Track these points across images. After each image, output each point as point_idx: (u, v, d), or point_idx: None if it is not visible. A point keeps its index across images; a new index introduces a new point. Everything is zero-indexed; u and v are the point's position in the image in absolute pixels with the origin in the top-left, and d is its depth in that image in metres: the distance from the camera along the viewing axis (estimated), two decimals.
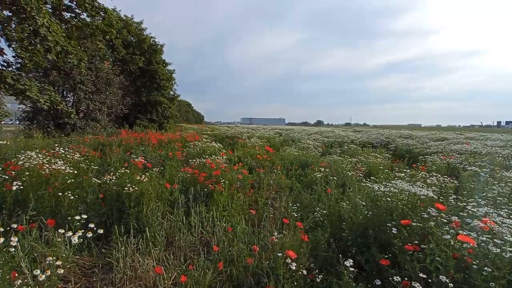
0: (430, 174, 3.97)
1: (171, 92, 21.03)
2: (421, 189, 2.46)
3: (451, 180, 3.69)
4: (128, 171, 3.30)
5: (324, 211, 2.90)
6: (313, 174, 4.23)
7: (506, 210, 1.95)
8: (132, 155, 5.17)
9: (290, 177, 5.43)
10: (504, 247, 1.23)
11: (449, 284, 1.21)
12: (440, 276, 1.24)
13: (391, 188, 2.56)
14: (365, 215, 2.47)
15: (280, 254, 1.54)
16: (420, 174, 3.97)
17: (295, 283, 1.54)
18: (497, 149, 7.78)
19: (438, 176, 3.73)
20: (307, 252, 1.89)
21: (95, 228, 1.70)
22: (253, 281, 1.59)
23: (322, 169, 4.06)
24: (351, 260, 1.61)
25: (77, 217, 1.77)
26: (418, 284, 1.26)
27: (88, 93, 11.99)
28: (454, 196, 2.60)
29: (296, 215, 2.31)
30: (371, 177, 3.39)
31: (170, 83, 20.49)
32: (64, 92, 12.40)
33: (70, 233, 1.61)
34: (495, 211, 1.96)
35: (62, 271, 1.43)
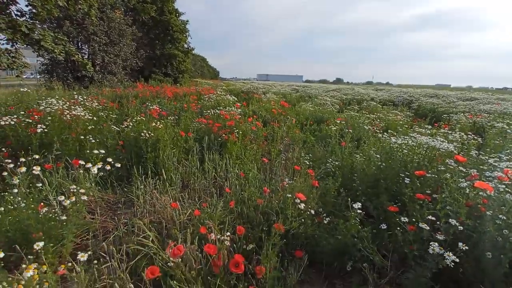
0: (453, 132, 3.79)
1: (185, 45, 20.38)
2: (441, 143, 2.36)
3: (475, 138, 3.52)
4: (144, 119, 3.37)
5: (337, 163, 2.90)
6: (328, 127, 4.15)
7: None
8: (148, 106, 5.24)
9: (305, 132, 5.39)
10: None
11: (459, 227, 1.21)
12: (450, 220, 1.23)
13: (409, 141, 2.47)
14: (378, 166, 2.45)
15: (289, 195, 1.59)
16: (442, 131, 3.80)
17: (303, 221, 1.61)
18: None
19: (461, 134, 3.56)
20: (316, 197, 1.94)
21: (113, 163, 1.80)
22: (262, 219, 1.67)
23: (338, 122, 3.97)
24: (359, 204, 1.63)
25: (96, 152, 1.87)
26: (426, 225, 1.27)
27: (102, 44, 11.83)
28: (476, 152, 2.50)
29: (308, 164, 2.32)
30: (389, 131, 3.29)
31: (184, 35, 19.72)
32: (79, 44, 12.31)
33: (90, 165, 1.72)
34: None
35: (85, 197, 1.56)
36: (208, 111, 4.64)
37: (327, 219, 1.85)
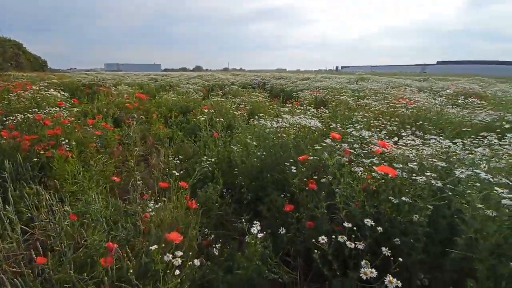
0: (306, 107, 4.19)
1: None
2: (309, 120, 2.35)
3: (324, 111, 3.98)
4: None
5: (213, 159, 2.46)
6: (196, 118, 3.65)
7: (385, 132, 2.07)
8: None
9: (170, 126, 4.67)
10: (427, 174, 1.14)
11: (368, 223, 1.01)
12: (366, 220, 1.03)
13: (283, 123, 2.34)
14: (259, 156, 2.18)
15: (155, 247, 0.97)
16: (299, 109, 4.11)
17: (183, 278, 1.04)
18: (346, 84, 9.47)
19: (311, 108, 3.94)
20: (198, 220, 1.41)
21: None
22: None
23: (206, 111, 3.53)
24: (258, 224, 1.24)
25: None
26: (345, 238, 1.02)
27: None
28: (334, 125, 2.68)
29: (177, 174, 1.74)
30: (257, 115, 3.16)
31: None
32: None
33: None
34: (374, 133, 2.03)
35: None
36: (15, 117, 3.05)
37: (217, 246, 1.37)
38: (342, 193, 1.31)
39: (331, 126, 2.64)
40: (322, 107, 4.56)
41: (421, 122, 2.49)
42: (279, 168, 2.05)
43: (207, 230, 1.56)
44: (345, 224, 1.02)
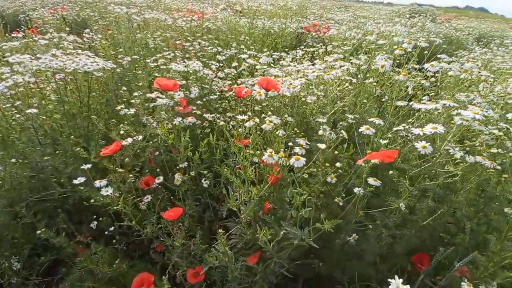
0: (53, 35, 2.49)
1: None
2: (81, 60, 1.15)
3: (93, 37, 2.54)
4: None
5: None
6: None
7: (222, 58, 1.34)
8: None
9: None
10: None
11: None
12: None
13: (18, 78, 1.00)
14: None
15: None
16: (44, 41, 2.33)
17: None
18: None
19: (63, 35, 2.36)
20: None
21: None
22: None
23: None
24: None
25: None
26: None
27: None
28: (128, 58, 1.62)
29: None
30: None
31: None
32: None
33: None
34: (209, 62, 1.28)
35: None
36: None
37: None
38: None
39: (123, 62, 1.57)
40: (84, 32, 2.96)
41: (243, 37, 1.97)
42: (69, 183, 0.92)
43: None
44: None
